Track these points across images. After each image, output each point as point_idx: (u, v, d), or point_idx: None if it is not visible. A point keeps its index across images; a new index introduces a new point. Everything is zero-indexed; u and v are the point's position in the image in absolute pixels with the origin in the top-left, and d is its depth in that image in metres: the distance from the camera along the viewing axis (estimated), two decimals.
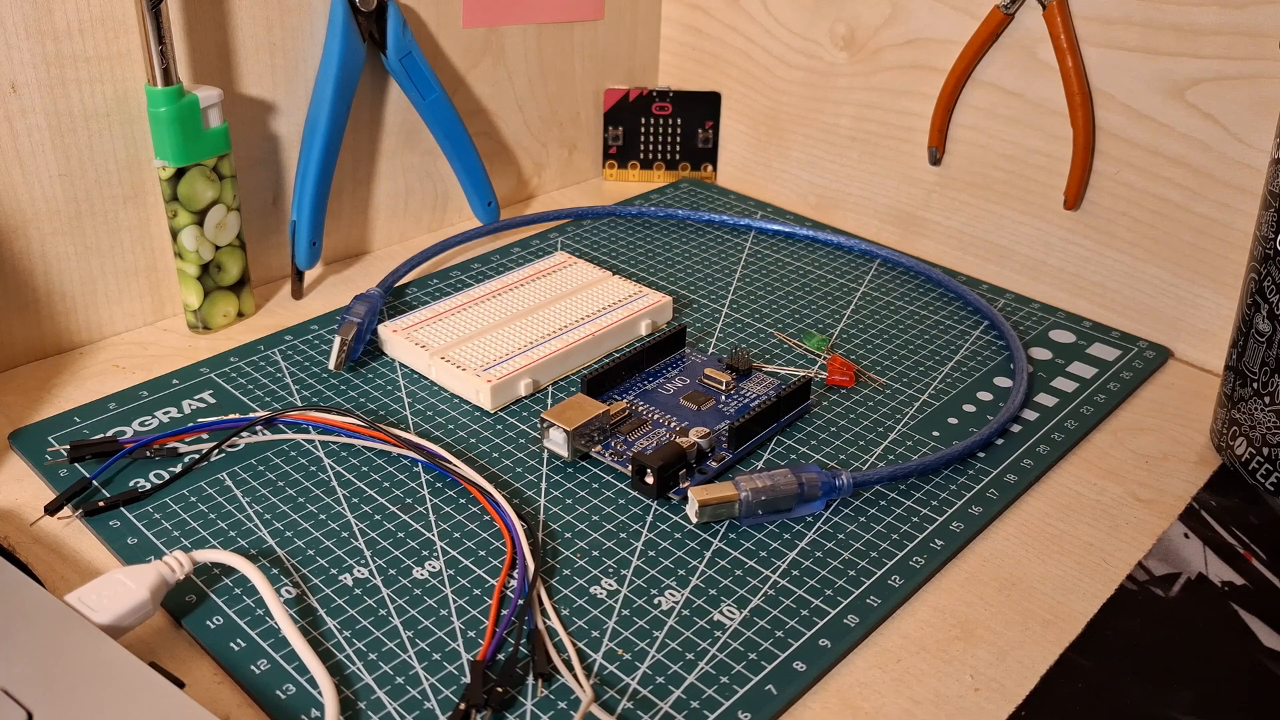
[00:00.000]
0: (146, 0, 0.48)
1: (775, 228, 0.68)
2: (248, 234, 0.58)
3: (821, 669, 0.37)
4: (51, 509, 0.42)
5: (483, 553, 0.41)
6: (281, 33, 0.56)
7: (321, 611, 0.38)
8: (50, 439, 0.46)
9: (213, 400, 0.49)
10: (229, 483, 0.44)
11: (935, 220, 0.65)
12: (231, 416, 0.48)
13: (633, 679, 0.36)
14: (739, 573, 0.40)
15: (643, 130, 0.75)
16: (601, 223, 0.69)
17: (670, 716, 0.34)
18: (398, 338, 0.52)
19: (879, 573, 0.41)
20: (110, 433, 0.47)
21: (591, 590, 0.39)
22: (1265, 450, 0.45)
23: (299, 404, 0.49)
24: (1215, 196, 0.54)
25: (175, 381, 0.51)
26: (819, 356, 0.54)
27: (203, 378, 0.51)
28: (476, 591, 0.39)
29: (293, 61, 0.57)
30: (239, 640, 0.37)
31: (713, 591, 0.40)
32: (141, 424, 0.47)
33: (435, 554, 0.41)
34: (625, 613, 0.38)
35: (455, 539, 0.41)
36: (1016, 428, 0.49)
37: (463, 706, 0.34)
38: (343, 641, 0.37)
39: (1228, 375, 0.47)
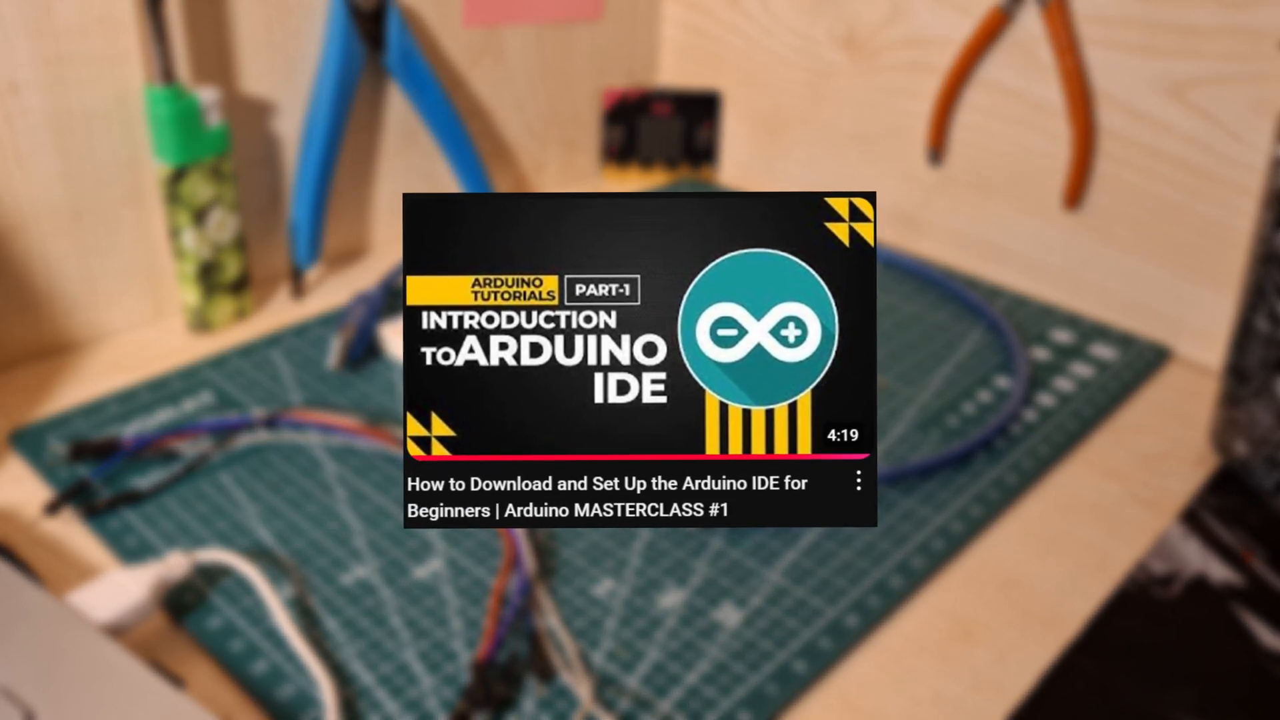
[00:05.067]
0: (146, 0, 0.48)
1: None
2: (248, 234, 0.58)
3: (821, 669, 0.37)
4: (51, 509, 0.42)
5: (483, 553, 0.41)
6: (281, 33, 0.56)
7: (321, 611, 0.38)
8: (50, 439, 0.46)
9: (213, 400, 0.49)
10: (229, 483, 0.44)
11: (935, 220, 0.65)
12: (231, 416, 0.48)
13: (633, 679, 0.36)
14: (739, 573, 0.40)
15: (643, 130, 0.75)
16: None
17: (670, 717, 0.34)
18: (398, 338, 0.52)
19: (879, 573, 0.41)
20: (110, 433, 0.47)
21: (591, 590, 0.39)
22: (1265, 450, 0.45)
23: (299, 404, 0.49)
24: (1215, 196, 0.54)
25: (175, 382, 0.51)
26: None
27: (203, 378, 0.51)
28: (476, 592, 0.39)
29: (293, 61, 0.57)
30: (239, 640, 0.37)
31: (713, 591, 0.40)
32: (141, 424, 0.47)
33: (435, 554, 0.41)
34: (625, 613, 0.38)
35: (455, 539, 0.41)
36: (1016, 428, 0.49)
37: (463, 706, 0.34)
38: (343, 642, 0.37)
39: (1227, 375, 0.47)
